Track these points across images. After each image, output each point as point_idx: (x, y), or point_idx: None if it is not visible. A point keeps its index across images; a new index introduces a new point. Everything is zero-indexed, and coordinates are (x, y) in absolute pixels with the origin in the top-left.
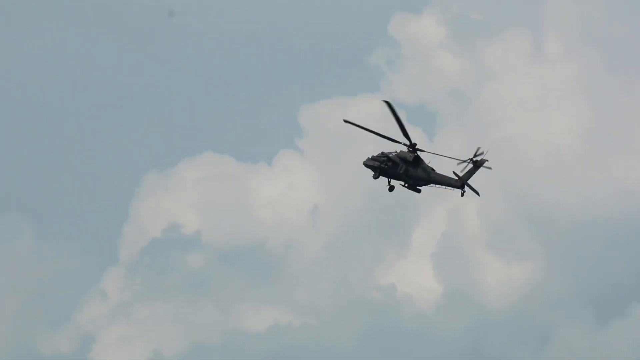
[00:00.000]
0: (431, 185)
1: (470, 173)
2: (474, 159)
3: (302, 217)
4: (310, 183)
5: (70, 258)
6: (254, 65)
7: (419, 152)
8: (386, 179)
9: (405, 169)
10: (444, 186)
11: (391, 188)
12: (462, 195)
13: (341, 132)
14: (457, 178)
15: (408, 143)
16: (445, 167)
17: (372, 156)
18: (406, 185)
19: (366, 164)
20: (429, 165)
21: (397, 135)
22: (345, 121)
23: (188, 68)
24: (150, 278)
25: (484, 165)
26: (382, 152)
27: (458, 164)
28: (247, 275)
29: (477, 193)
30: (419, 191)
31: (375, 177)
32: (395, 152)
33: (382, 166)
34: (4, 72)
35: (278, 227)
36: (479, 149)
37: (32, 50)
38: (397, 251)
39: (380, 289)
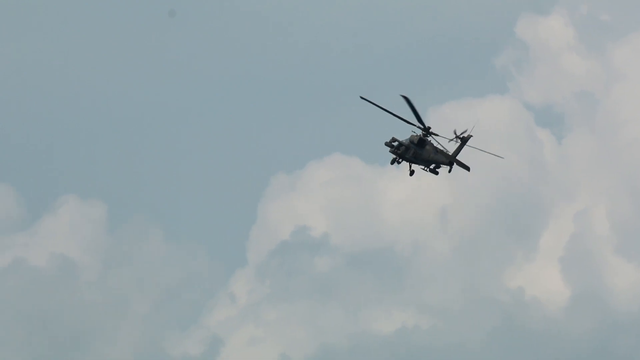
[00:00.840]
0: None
1: (458, 150)
2: (461, 136)
3: (430, 219)
4: (438, 184)
5: (199, 261)
6: (382, 67)
7: (433, 136)
8: (408, 164)
9: (414, 151)
10: (435, 165)
11: (411, 173)
12: (450, 171)
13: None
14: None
15: (422, 127)
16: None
17: (386, 142)
18: (425, 168)
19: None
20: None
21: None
22: (362, 98)
23: (317, 70)
24: (279, 280)
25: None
26: (393, 137)
27: (449, 141)
28: (375, 277)
29: (467, 168)
30: (436, 173)
31: (394, 162)
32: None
33: (396, 151)
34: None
35: (406, 229)
36: (466, 130)
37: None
38: (526, 254)
39: (509, 291)
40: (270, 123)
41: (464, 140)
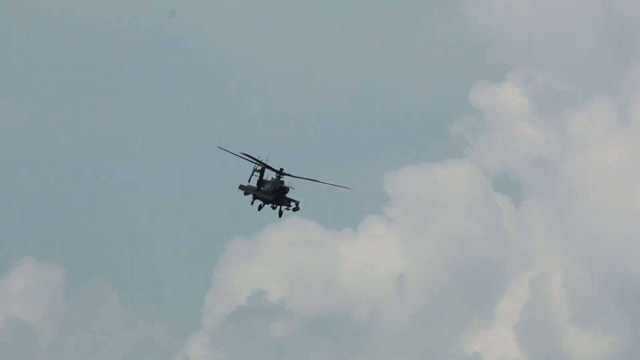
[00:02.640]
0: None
1: (261, 180)
2: (258, 169)
3: (387, 285)
4: (396, 250)
5: (155, 325)
6: (339, 133)
7: (285, 176)
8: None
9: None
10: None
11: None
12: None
13: (427, 198)
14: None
15: (277, 169)
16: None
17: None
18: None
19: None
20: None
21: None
22: (220, 147)
23: (269, 135)
24: (234, 346)
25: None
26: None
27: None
28: (331, 343)
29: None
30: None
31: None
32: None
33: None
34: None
35: (363, 295)
36: (259, 156)
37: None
38: (482, 320)
39: (465, 358)
40: (227, 186)
41: (262, 171)
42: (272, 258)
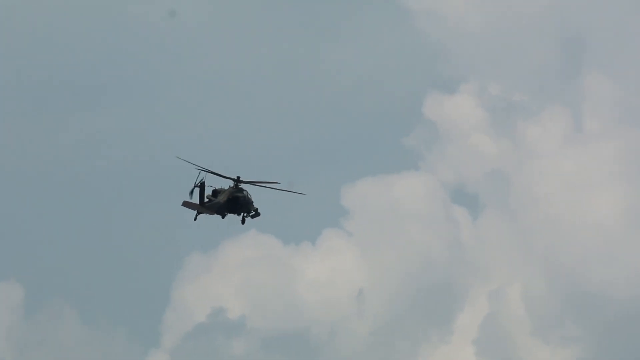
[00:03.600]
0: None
1: (202, 195)
2: (198, 184)
3: (347, 301)
4: (356, 265)
5: (114, 344)
6: (293, 146)
7: (241, 184)
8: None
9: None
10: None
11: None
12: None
13: (385, 211)
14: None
15: (233, 178)
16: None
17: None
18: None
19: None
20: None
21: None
22: (178, 157)
23: (237, 148)
24: None
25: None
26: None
27: (191, 192)
28: None
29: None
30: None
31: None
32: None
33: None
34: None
35: (323, 311)
36: (199, 173)
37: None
38: (441, 335)
39: None
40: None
41: (202, 187)
42: (231, 274)
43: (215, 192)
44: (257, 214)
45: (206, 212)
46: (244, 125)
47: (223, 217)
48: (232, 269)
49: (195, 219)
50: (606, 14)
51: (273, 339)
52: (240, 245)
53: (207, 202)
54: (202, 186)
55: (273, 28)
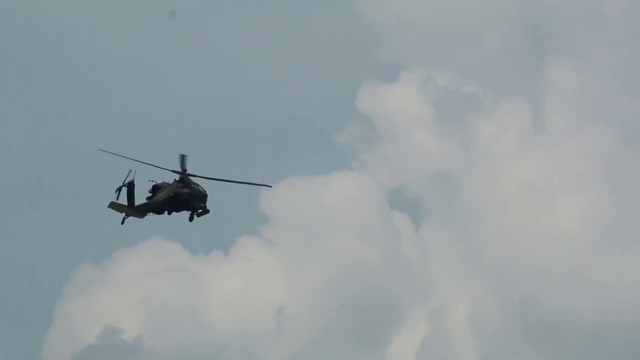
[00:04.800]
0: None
1: (131, 196)
2: (126, 184)
3: (265, 321)
4: (276, 279)
5: None
6: (208, 143)
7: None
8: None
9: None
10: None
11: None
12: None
13: (312, 217)
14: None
15: (180, 171)
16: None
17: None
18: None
19: None
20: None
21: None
22: (100, 149)
23: (139, 143)
24: None
25: None
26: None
27: (116, 191)
28: None
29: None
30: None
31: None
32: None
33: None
34: None
35: (236, 333)
36: (130, 171)
37: None
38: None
39: None
40: (73, 201)
41: (130, 186)
42: (128, 288)
43: (155, 188)
44: (205, 212)
45: (136, 215)
46: (155, 119)
47: (170, 213)
48: (129, 283)
49: (122, 223)
50: None
51: None
52: (139, 255)
53: (146, 201)
54: (130, 185)
55: (195, 8)
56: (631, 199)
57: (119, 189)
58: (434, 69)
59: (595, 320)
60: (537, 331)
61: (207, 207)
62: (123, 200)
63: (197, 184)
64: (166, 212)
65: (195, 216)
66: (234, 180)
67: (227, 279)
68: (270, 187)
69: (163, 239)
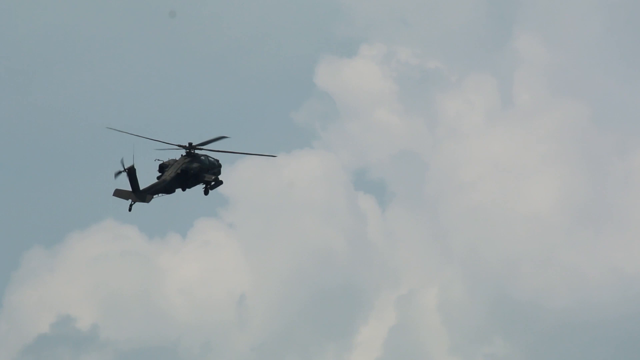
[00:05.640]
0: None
1: (134, 182)
2: (126, 169)
3: (225, 310)
4: (237, 264)
5: None
6: (164, 122)
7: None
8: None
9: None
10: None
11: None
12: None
13: (274, 198)
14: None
15: (185, 145)
16: None
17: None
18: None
19: None
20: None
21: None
22: (109, 128)
23: (89, 119)
24: None
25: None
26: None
27: (116, 176)
28: None
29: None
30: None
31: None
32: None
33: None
34: None
35: (195, 322)
36: (121, 160)
37: None
38: (339, 352)
39: None
40: (19, 180)
41: (131, 171)
42: (81, 274)
43: (163, 167)
44: (217, 183)
45: (142, 201)
46: (100, 95)
47: (184, 190)
48: (83, 269)
49: (130, 210)
50: None
51: (133, 353)
52: (92, 239)
53: (153, 183)
54: (131, 170)
55: None
56: (605, 179)
57: (118, 173)
58: (396, 44)
59: (568, 306)
60: (508, 317)
61: (220, 179)
62: (127, 186)
63: (207, 156)
64: (179, 189)
65: (209, 189)
66: (239, 151)
67: (185, 265)
68: (275, 156)
69: (117, 222)
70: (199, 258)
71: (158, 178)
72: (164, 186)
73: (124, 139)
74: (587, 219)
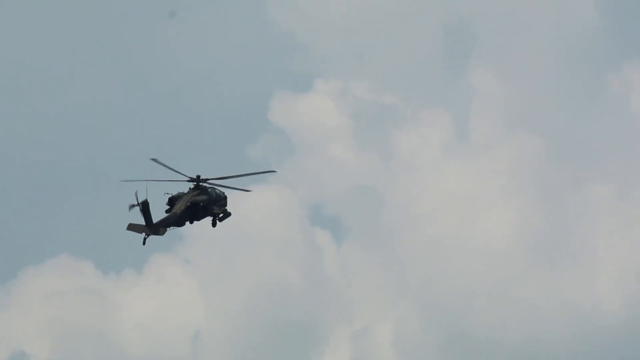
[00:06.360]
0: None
1: (147, 215)
2: (139, 203)
3: (181, 346)
4: (192, 300)
5: None
6: (122, 156)
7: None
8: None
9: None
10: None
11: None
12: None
13: (231, 233)
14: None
15: (192, 177)
16: None
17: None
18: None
19: None
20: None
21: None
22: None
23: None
24: None
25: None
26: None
27: (130, 209)
28: None
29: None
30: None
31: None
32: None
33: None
34: None
35: (149, 358)
36: (136, 191)
37: None
38: None
39: None
40: None
41: (145, 205)
42: (34, 310)
43: (172, 200)
44: (226, 215)
45: (156, 234)
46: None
47: (192, 223)
48: (37, 304)
49: (144, 243)
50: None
51: None
52: (46, 274)
53: (164, 217)
54: (144, 204)
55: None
56: (560, 213)
57: (132, 207)
58: (351, 79)
59: (523, 341)
60: (463, 352)
61: (229, 210)
62: (140, 220)
63: (214, 188)
64: (187, 222)
65: (217, 221)
66: (239, 174)
67: (140, 300)
68: (275, 172)
69: (72, 258)
70: (154, 293)
71: (167, 212)
72: (175, 219)
73: (74, 173)
74: (543, 253)
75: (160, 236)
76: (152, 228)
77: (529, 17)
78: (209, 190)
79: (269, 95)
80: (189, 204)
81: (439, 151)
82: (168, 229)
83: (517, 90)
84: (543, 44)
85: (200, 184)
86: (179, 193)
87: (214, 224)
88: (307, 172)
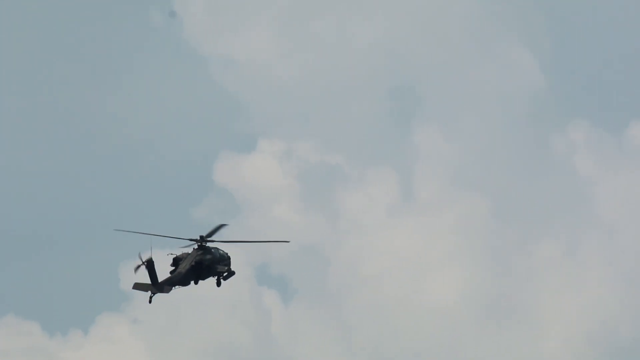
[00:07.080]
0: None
1: (153, 274)
2: (145, 262)
3: None
4: None
5: None
6: (65, 217)
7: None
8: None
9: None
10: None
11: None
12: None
13: (177, 293)
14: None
15: (196, 239)
16: None
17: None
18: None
19: None
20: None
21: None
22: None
23: None
24: None
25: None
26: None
27: (135, 270)
28: None
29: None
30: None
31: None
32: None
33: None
34: None
35: None
36: (139, 254)
37: None
38: None
39: None
40: None
41: (150, 264)
42: None
43: (177, 260)
44: (230, 274)
45: (161, 292)
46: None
47: (196, 283)
48: None
49: (150, 301)
50: (440, 61)
51: None
52: None
53: (170, 275)
54: (150, 263)
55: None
56: (508, 273)
57: (137, 268)
58: (296, 139)
59: None
60: None
61: (232, 269)
62: (146, 279)
63: (217, 248)
64: (192, 282)
65: (222, 280)
66: (252, 240)
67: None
68: (289, 242)
69: (18, 318)
70: (101, 354)
71: (171, 272)
72: (180, 279)
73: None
74: (491, 314)
75: (165, 294)
76: (157, 286)
77: (473, 77)
78: (213, 250)
79: (213, 156)
80: (193, 263)
81: (385, 211)
82: (173, 287)
83: (462, 150)
84: (487, 104)
85: (204, 243)
86: (183, 254)
87: (218, 284)
88: (252, 233)
